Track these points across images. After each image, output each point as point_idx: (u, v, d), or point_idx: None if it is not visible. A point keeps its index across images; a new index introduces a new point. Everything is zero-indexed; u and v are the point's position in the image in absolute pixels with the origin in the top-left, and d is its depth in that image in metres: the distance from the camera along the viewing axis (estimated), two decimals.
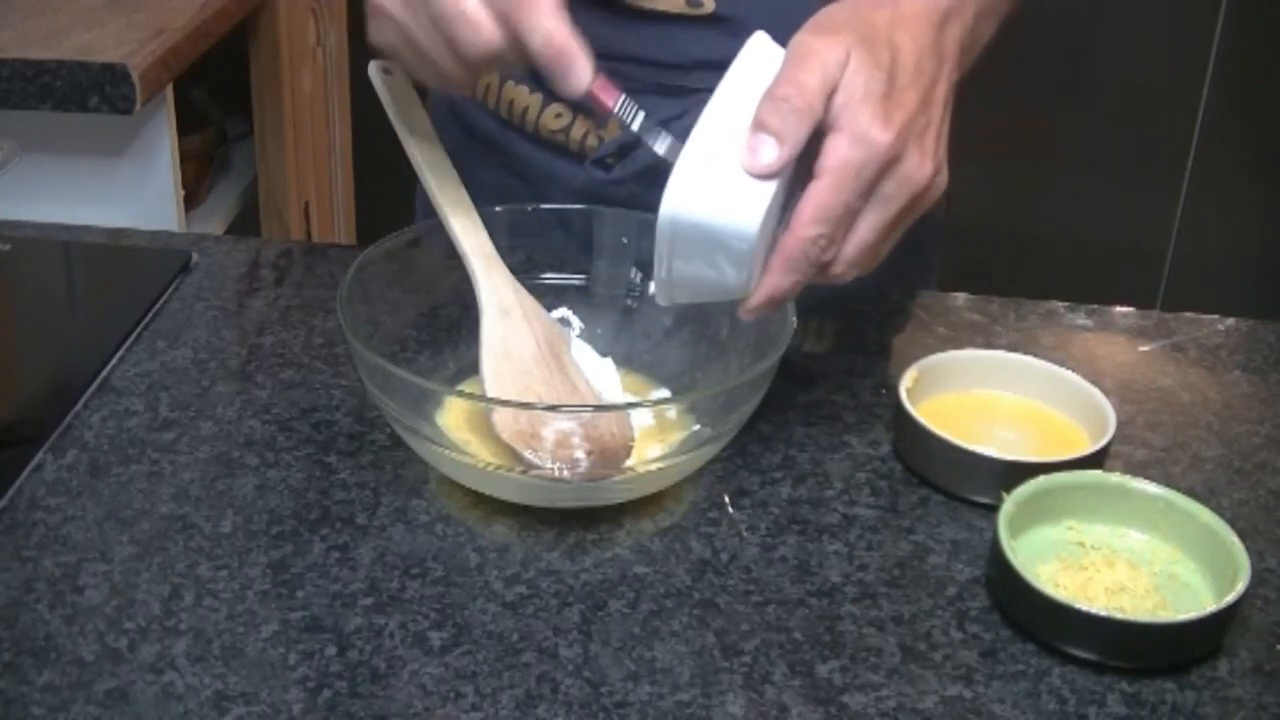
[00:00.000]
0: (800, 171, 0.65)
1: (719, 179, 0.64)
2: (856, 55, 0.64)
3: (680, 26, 0.86)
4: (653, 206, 0.86)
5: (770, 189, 0.64)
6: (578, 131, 0.91)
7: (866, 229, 0.66)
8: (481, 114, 0.96)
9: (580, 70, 0.69)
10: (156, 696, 0.60)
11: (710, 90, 0.88)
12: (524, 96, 0.93)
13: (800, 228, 0.64)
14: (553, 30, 0.67)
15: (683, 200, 0.64)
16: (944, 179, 0.67)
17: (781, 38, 0.68)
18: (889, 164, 0.64)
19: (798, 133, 0.63)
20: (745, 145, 0.64)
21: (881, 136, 0.63)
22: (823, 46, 0.64)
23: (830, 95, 0.64)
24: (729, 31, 0.86)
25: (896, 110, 0.64)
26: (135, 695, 0.60)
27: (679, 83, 0.88)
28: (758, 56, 0.67)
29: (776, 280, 0.66)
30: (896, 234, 0.68)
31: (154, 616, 0.65)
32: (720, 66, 0.85)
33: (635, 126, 0.71)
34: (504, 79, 0.93)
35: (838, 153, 0.64)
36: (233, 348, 0.86)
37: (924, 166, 0.65)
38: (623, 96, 0.71)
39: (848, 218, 0.65)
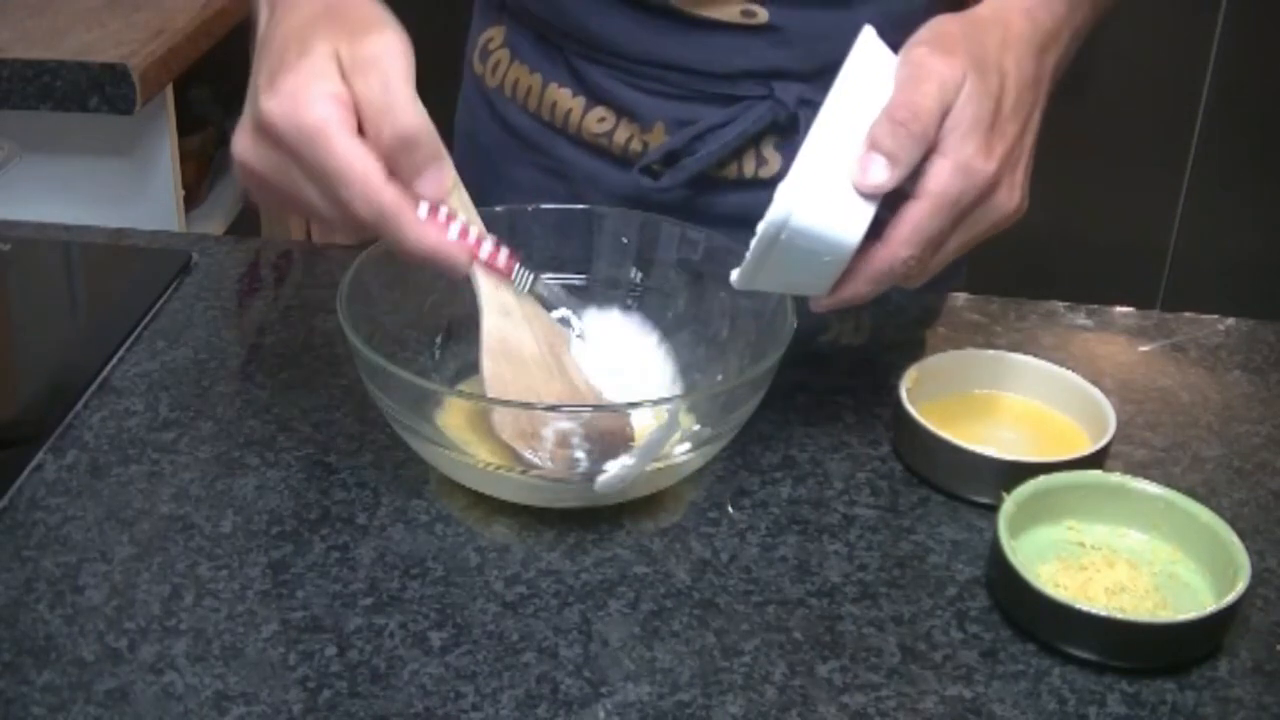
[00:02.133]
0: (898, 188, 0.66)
1: (830, 190, 0.64)
2: (971, 80, 0.64)
3: (731, 36, 0.86)
4: (700, 213, 0.86)
5: (874, 206, 0.64)
6: (621, 136, 0.91)
7: (949, 250, 0.67)
8: (522, 115, 0.96)
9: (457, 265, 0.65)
10: (156, 696, 0.60)
11: (756, 98, 0.88)
12: (566, 99, 0.93)
13: (895, 246, 0.65)
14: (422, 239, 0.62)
15: (795, 206, 0.64)
16: (1025, 207, 0.68)
17: (836, 49, 0.68)
18: (985, 194, 0.65)
19: (911, 157, 0.64)
20: (857, 160, 0.64)
21: (983, 167, 0.64)
22: (943, 68, 0.64)
23: (943, 118, 0.64)
24: (777, 43, 0.86)
25: (999, 141, 0.65)
26: (135, 695, 0.60)
27: (725, 92, 0.88)
28: (868, 57, 0.67)
29: (858, 288, 0.67)
30: (967, 250, 0.69)
31: (154, 616, 0.64)
32: (767, 77, 0.85)
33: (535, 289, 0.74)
34: (547, 81, 0.93)
35: (941, 178, 0.64)
36: (233, 348, 0.86)
37: (1012, 198, 0.67)
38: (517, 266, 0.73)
39: (938, 242, 0.66)
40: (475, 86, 1.00)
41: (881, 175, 0.64)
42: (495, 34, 0.97)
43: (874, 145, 0.64)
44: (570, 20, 0.90)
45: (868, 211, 0.64)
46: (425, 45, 0.90)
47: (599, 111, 0.92)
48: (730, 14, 0.86)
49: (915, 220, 0.64)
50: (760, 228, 0.65)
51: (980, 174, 0.64)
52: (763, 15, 0.86)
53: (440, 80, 0.83)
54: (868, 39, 0.68)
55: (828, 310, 0.69)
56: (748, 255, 0.68)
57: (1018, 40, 0.68)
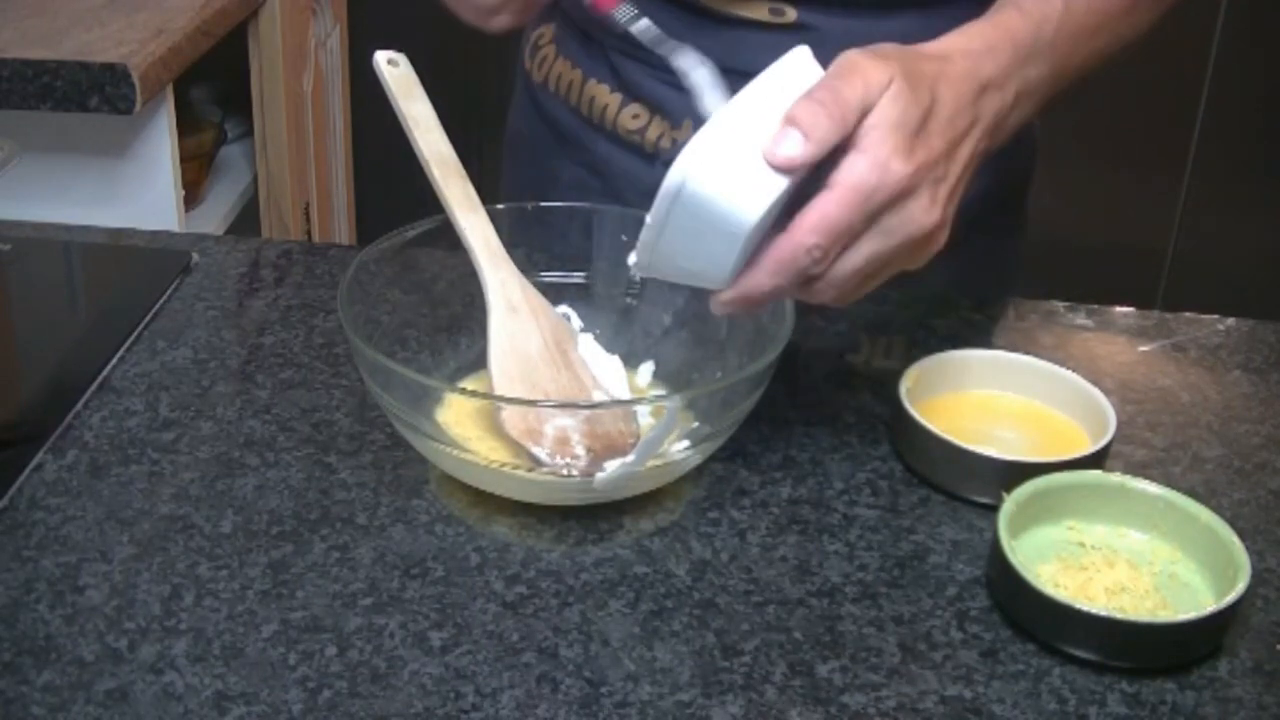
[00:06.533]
0: (813, 189, 0.65)
1: (737, 159, 0.63)
2: (899, 84, 0.65)
3: (760, 34, 0.88)
4: None
5: (781, 184, 0.63)
6: (653, 133, 0.94)
7: (860, 256, 0.66)
8: (564, 110, 0.99)
9: None
10: (156, 696, 0.60)
11: None
12: (604, 95, 0.95)
13: (798, 234, 0.64)
14: None
15: (696, 168, 0.63)
16: (945, 236, 0.67)
17: None
18: (898, 197, 0.64)
19: (825, 136, 0.63)
20: (771, 135, 0.64)
21: (900, 168, 0.64)
22: (869, 67, 0.65)
23: (864, 115, 0.64)
24: (806, 43, 0.86)
25: (921, 149, 0.65)
26: (135, 695, 0.60)
27: None
28: (797, 67, 0.67)
29: (759, 279, 0.66)
30: (887, 273, 0.68)
31: (154, 616, 0.65)
32: None
33: (634, 30, 0.75)
34: (587, 77, 0.96)
35: (854, 171, 0.64)
36: (233, 348, 0.86)
37: (930, 213, 0.66)
38: (624, 4, 0.76)
39: (846, 237, 0.65)
40: (524, 82, 1.04)
41: (794, 149, 0.63)
42: (546, 31, 1.01)
43: (790, 120, 0.64)
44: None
45: (772, 189, 0.63)
46: (487, 48, 0.90)
47: (634, 108, 0.94)
48: (759, 12, 0.87)
49: (822, 208, 0.64)
50: (657, 195, 0.64)
51: (895, 173, 0.64)
52: (791, 14, 0.87)
53: (501, 80, 0.84)
54: (800, 54, 0.67)
55: (729, 308, 0.67)
56: (643, 229, 0.65)
57: (955, 74, 0.68)
